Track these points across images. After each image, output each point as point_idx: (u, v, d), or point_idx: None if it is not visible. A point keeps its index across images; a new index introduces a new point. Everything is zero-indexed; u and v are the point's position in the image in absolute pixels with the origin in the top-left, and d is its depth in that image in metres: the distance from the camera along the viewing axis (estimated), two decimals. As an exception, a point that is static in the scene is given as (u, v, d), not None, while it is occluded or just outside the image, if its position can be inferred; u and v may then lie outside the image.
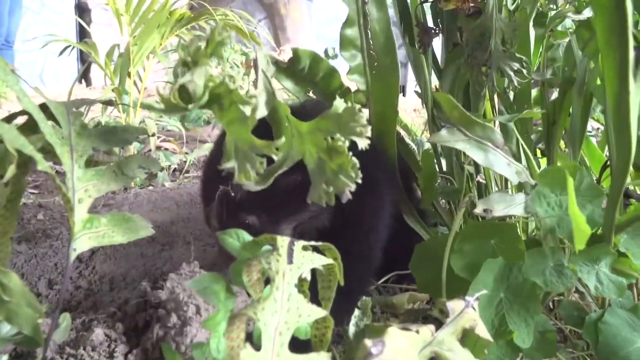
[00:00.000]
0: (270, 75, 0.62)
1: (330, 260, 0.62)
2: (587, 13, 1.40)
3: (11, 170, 0.68)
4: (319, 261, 0.60)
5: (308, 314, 0.55)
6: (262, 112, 0.59)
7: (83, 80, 6.20)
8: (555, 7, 1.49)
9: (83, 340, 0.92)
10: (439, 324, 1.17)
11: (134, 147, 2.76)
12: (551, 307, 1.26)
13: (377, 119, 1.39)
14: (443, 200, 1.65)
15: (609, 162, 1.17)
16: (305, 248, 0.61)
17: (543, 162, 1.61)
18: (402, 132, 3.24)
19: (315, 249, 0.65)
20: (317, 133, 0.62)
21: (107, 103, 1.00)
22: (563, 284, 0.93)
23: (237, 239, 0.63)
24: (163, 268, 1.44)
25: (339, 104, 0.61)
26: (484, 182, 1.58)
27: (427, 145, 2.78)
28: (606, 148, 1.67)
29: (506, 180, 1.65)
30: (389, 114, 1.37)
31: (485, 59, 1.26)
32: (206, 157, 1.38)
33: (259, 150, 0.60)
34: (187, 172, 2.84)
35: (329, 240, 0.73)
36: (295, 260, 0.58)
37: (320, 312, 0.57)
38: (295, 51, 1.30)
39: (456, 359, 0.63)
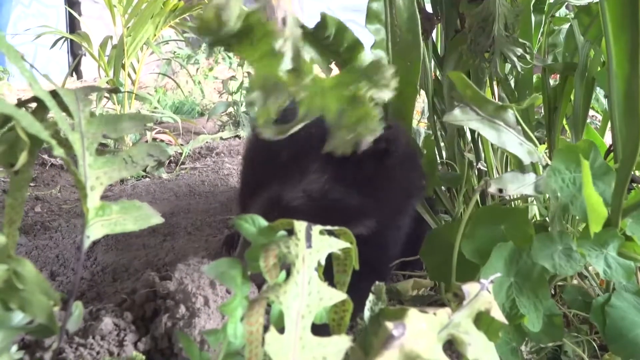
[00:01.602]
0: (297, 36, 0.62)
1: (347, 244, 0.62)
2: (588, -2, 1.40)
3: (23, 157, 0.68)
4: (337, 245, 0.60)
5: (329, 297, 0.55)
6: (286, 65, 0.59)
7: (74, 73, 6.13)
8: (554, -7, 1.49)
9: (92, 329, 0.92)
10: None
11: (129, 139, 2.75)
12: (553, 292, 1.26)
13: (397, 97, 1.37)
14: (444, 188, 1.65)
15: (612, 148, 1.17)
16: (322, 232, 0.61)
17: (541, 148, 1.62)
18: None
19: (330, 233, 0.65)
20: (341, 87, 0.62)
21: (114, 91, 0.99)
22: (572, 267, 0.93)
23: (252, 223, 0.63)
24: (165, 259, 1.43)
25: (365, 57, 0.62)
26: (485, 169, 1.59)
27: (424, 135, 2.78)
28: (605, 133, 1.68)
29: (506, 167, 1.66)
30: (409, 92, 1.32)
31: (489, 45, 1.26)
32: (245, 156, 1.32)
33: (286, 87, 0.61)
34: (183, 163, 2.83)
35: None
36: (314, 244, 0.57)
37: (340, 295, 0.56)
38: (323, 17, 1.23)
39: (472, 341, 0.63)
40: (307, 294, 0.53)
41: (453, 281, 1.08)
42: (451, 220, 1.57)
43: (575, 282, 1.18)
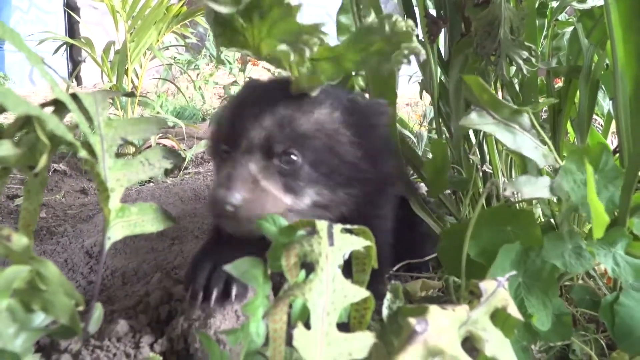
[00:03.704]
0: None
1: (367, 242, 0.63)
2: (591, 2, 1.42)
3: (44, 160, 0.69)
4: (358, 243, 0.61)
5: (353, 294, 0.56)
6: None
7: (74, 80, 6.14)
8: (557, -4, 1.51)
9: (108, 331, 0.92)
10: (453, 311, 1.18)
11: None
12: (559, 292, 1.27)
13: None
14: (448, 191, 1.66)
15: (618, 149, 1.18)
16: (342, 231, 0.62)
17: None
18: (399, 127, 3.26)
19: (349, 232, 0.66)
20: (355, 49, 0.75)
21: (129, 95, 1.00)
22: (582, 265, 0.94)
23: (273, 223, 0.64)
24: (174, 262, 1.44)
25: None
26: (490, 171, 1.60)
27: (427, 139, 2.80)
28: (608, 135, 1.70)
29: (511, 169, 1.68)
30: (389, 98, 1.38)
31: (494, 48, 1.27)
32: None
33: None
34: (187, 168, 2.84)
35: None
36: (336, 242, 0.58)
37: (363, 293, 0.58)
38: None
39: (489, 338, 0.64)
40: (331, 291, 0.54)
41: (463, 280, 1.09)
42: (462, 221, 1.58)
43: (580, 281, 1.20)
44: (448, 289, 1.29)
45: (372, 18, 1.06)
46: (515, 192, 0.94)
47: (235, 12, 0.95)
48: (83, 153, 0.62)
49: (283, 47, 0.94)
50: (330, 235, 0.58)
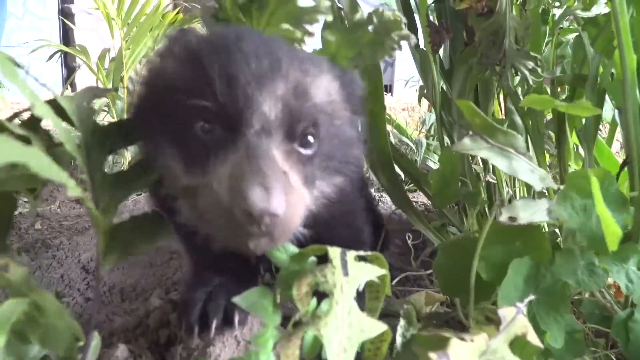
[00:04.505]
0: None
1: (383, 271, 0.60)
2: (596, 10, 1.40)
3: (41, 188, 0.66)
4: (373, 272, 0.58)
5: (370, 329, 0.53)
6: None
7: (68, 86, 6.11)
8: (559, 4, 1.49)
9: (107, 357, 0.89)
10: (462, 328, 1.16)
11: (128, 151, 2.72)
12: (567, 306, 1.25)
13: (367, 115, 1.41)
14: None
15: (627, 160, 1.16)
16: (356, 259, 0.59)
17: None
18: (395, 131, 3.24)
19: (362, 259, 0.63)
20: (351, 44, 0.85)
21: (114, 90, 0.97)
22: (596, 283, 0.92)
23: (283, 250, 0.61)
24: (173, 277, 1.41)
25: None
26: (494, 181, 1.58)
27: (426, 145, 2.78)
28: (613, 143, 1.68)
29: (515, 179, 1.65)
30: (377, 110, 1.40)
31: (499, 58, 1.25)
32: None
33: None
34: (184, 177, 2.80)
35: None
36: (350, 271, 0.56)
37: (381, 327, 0.55)
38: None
39: (508, 367, 0.61)
40: (348, 326, 0.52)
41: (467, 300, 1.06)
42: (462, 235, 1.56)
43: (586, 295, 1.17)
44: (454, 304, 1.26)
45: (359, 14, 1.06)
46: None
47: (232, 5, 0.94)
48: (76, 192, 0.57)
49: (286, 26, 0.94)
50: (344, 265, 0.55)
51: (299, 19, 0.92)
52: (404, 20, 0.99)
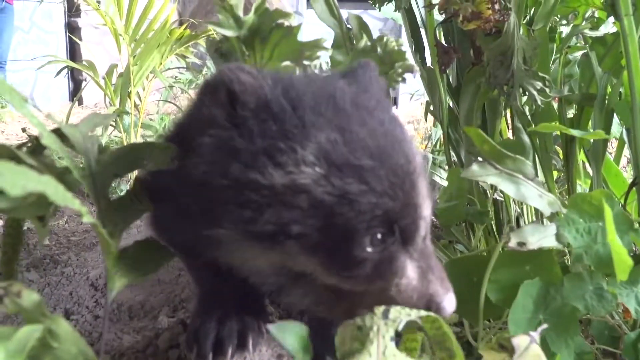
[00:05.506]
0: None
1: (425, 312, 0.60)
2: (603, 30, 1.40)
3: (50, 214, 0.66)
4: (415, 313, 0.58)
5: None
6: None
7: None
8: (566, 22, 1.50)
9: (118, 379, 0.89)
10: (468, 347, 1.15)
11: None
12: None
13: None
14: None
15: (636, 180, 1.16)
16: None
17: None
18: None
19: None
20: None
21: (122, 112, 0.98)
22: (604, 307, 0.92)
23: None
24: (182, 295, 1.41)
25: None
26: (502, 199, 1.58)
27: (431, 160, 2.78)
28: (621, 159, 1.68)
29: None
30: None
31: (508, 78, 1.26)
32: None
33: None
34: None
35: None
36: (391, 314, 0.56)
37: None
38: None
39: (521, 397, 0.61)
40: (382, 363, 0.52)
41: (476, 321, 1.06)
42: (470, 253, 1.56)
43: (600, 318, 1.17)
44: (463, 324, 1.26)
45: (364, 42, 1.07)
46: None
47: (236, 39, 0.95)
48: (89, 219, 0.58)
49: (287, 63, 0.95)
50: (386, 313, 0.56)
51: (300, 53, 0.93)
52: (408, 50, 1.02)
